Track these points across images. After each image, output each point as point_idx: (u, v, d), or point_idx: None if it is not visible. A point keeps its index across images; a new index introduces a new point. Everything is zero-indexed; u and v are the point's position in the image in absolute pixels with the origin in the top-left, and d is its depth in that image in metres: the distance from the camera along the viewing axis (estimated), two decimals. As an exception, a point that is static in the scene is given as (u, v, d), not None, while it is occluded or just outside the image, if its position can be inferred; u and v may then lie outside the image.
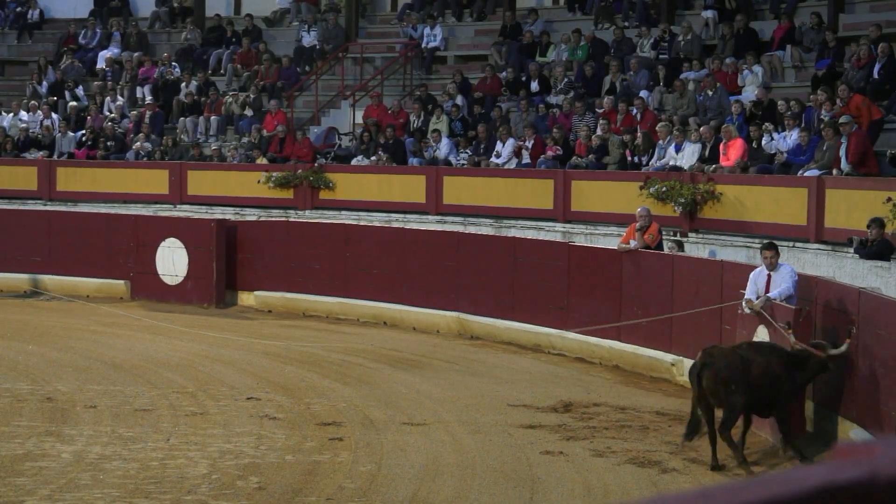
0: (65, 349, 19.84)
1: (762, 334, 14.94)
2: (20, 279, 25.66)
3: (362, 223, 24.33)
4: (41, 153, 28.32)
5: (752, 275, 15.51)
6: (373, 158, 25.91)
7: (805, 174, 20.24)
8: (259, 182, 25.87)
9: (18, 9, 33.36)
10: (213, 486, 12.76)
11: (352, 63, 29.86)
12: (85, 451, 13.88)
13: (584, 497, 12.55)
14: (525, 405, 16.32)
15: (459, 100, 26.88)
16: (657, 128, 23.02)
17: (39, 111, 29.32)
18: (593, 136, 23.68)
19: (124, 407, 16.00)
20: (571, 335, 19.62)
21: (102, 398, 16.45)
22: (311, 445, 14.26)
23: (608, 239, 21.41)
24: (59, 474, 13.04)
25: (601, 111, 24.49)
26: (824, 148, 20.38)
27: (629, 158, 23.15)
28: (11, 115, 29.41)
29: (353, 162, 26.25)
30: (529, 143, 24.54)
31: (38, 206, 27.01)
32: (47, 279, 25.52)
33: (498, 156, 24.69)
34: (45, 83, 30.74)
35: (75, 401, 16.27)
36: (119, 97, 29.88)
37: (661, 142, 22.82)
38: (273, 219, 25.28)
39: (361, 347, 20.41)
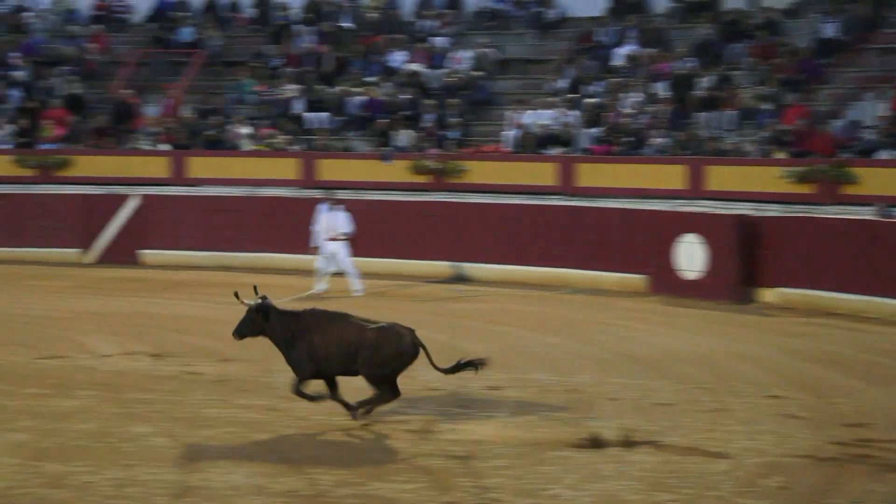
0: (586, 342, 20.16)
1: None
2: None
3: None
4: (561, 149, 28.97)
5: None
6: (900, 151, 24.93)
7: None
8: (778, 177, 25.42)
9: (537, 9, 34.26)
10: (735, 483, 12.62)
11: (876, 54, 28.81)
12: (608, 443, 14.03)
13: None
14: None
15: None
16: None
17: (558, 108, 29.98)
18: None
19: (645, 401, 16.08)
20: None
21: (624, 391, 16.60)
22: (835, 447, 13.83)
23: None
24: (583, 464, 13.27)
25: None
26: None
27: None
28: (537, 111, 30.20)
29: (877, 156, 25.35)
30: None
31: (557, 202, 27.62)
32: (571, 273, 26.10)
33: None
34: (562, 81, 31.41)
35: (598, 393, 16.50)
36: (636, 93, 30.13)
37: None
38: (793, 214, 24.72)
39: (889, 347, 19.61)
